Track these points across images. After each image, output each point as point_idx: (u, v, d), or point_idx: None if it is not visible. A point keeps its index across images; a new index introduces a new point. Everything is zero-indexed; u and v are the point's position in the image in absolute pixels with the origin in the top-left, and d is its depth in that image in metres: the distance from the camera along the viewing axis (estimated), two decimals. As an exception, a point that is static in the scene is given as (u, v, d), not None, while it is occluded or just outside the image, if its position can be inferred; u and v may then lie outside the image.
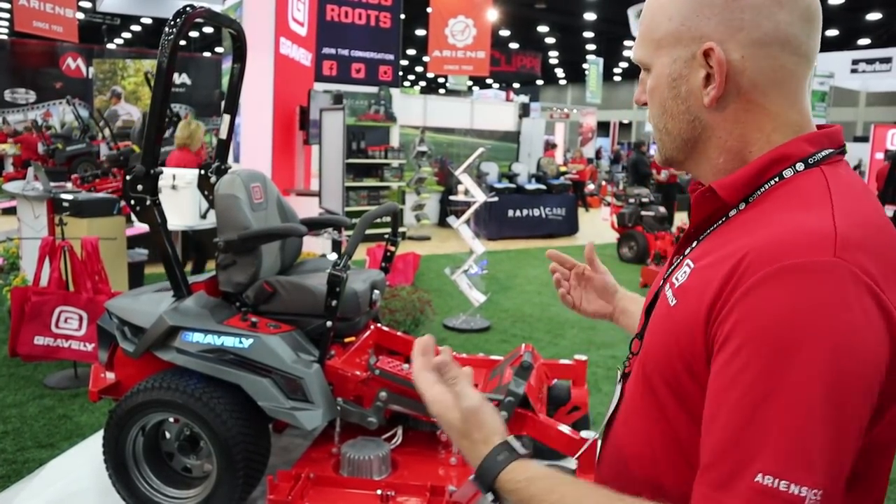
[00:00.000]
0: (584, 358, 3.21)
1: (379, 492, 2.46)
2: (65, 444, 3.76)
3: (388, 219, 3.31)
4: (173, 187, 5.14)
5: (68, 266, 4.50)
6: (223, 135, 3.36)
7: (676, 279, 0.92)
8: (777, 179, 0.88)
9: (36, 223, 5.37)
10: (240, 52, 3.20)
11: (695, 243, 0.96)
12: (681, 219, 10.73)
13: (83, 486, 2.97)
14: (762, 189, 0.89)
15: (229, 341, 2.63)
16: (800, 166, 0.88)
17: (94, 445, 2.94)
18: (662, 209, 9.84)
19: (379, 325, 3.28)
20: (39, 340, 4.39)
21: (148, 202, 2.77)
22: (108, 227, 5.24)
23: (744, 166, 0.90)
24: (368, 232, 3.03)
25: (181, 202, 5.17)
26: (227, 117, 3.36)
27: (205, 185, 3.33)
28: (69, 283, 4.57)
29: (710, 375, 0.81)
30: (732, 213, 0.91)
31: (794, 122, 0.91)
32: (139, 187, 2.76)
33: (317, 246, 6.80)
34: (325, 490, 2.51)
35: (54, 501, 2.87)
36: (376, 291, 3.03)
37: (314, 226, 3.43)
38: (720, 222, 0.93)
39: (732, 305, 0.79)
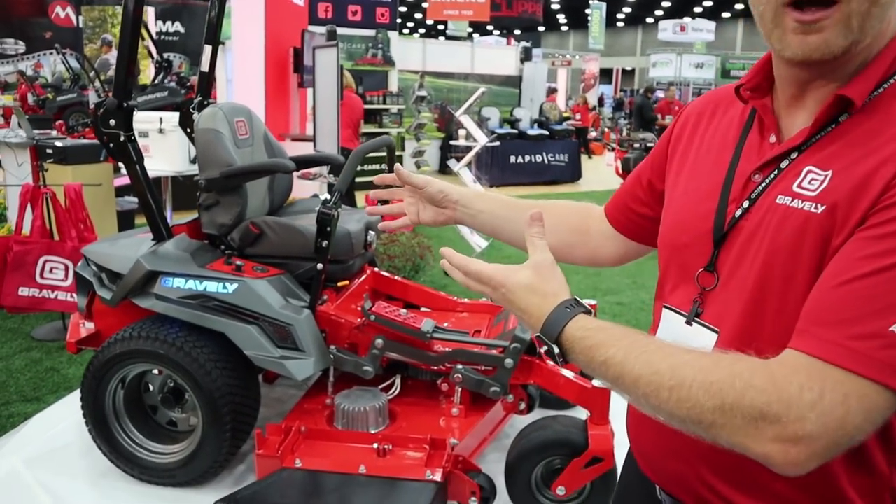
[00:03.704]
0: (593, 302, 3.01)
1: (375, 445, 2.28)
2: (51, 398, 3.60)
3: (383, 163, 3.09)
4: (160, 131, 4.90)
5: (52, 214, 4.29)
6: (204, 67, 3.15)
7: (805, 188, 0.85)
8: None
9: (19, 171, 5.16)
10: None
11: (795, 154, 0.88)
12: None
13: (67, 441, 2.81)
14: (883, 87, 0.84)
15: (212, 286, 2.44)
16: None
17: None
18: (669, 153, 9.56)
19: (375, 269, 3.07)
20: (24, 291, 4.21)
21: (122, 138, 2.54)
22: (94, 175, 5.03)
23: (870, 63, 0.84)
24: (366, 178, 2.79)
25: (169, 146, 4.94)
26: (208, 48, 3.12)
27: (188, 123, 3.10)
28: (54, 232, 4.37)
29: (850, 241, 0.78)
30: (843, 117, 0.85)
31: None
32: (111, 122, 2.53)
33: (310, 191, 6.58)
34: (318, 444, 2.33)
35: (36, 457, 2.71)
36: (371, 232, 2.82)
37: (304, 164, 3.20)
38: (830, 128, 0.86)
39: None
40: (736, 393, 0.76)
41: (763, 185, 0.90)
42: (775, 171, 0.89)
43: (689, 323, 0.97)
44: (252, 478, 2.50)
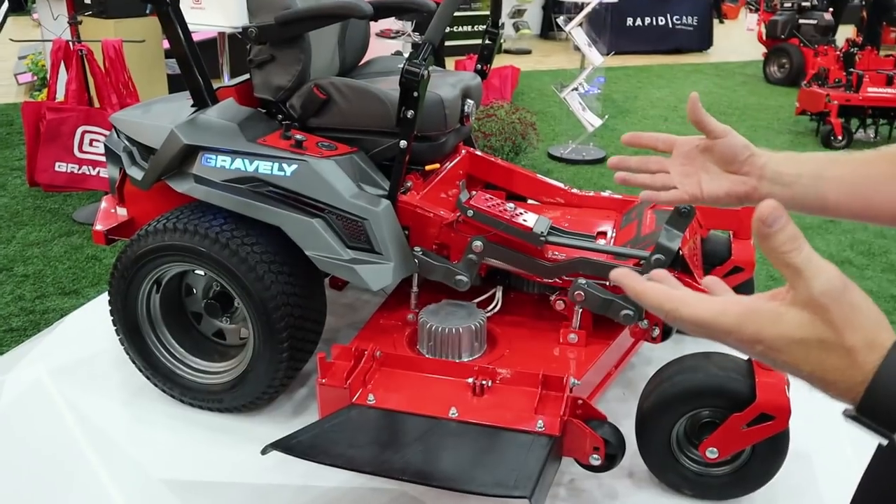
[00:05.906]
0: (750, 200, 2.55)
1: (471, 380, 1.95)
2: (91, 292, 3.45)
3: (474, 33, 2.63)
4: (212, -24, 4.51)
5: (89, 76, 4.05)
6: None
7: None
8: None
9: (55, 25, 4.92)
10: None
11: None
12: (847, 31, 9.47)
13: (100, 348, 2.63)
14: None
15: (265, 167, 2.10)
16: None
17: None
18: (828, 16, 8.62)
19: (472, 149, 2.68)
20: (61, 167, 4.03)
21: (149, -30, 2.18)
22: (140, 31, 4.76)
23: None
24: (455, 42, 2.35)
25: (224, -4, 4.56)
26: None
27: (237, -42, 2.71)
28: (93, 98, 4.14)
29: None
30: None
31: None
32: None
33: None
34: (397, 374, 2.02)
35: (64, 367, 2.55)
36: (469, 101, 2.41)
37: (385, 10, 2.77)
38: None
39: None
40: None
41: None
42: None
43: None
44: (315, 405, 2.24)
